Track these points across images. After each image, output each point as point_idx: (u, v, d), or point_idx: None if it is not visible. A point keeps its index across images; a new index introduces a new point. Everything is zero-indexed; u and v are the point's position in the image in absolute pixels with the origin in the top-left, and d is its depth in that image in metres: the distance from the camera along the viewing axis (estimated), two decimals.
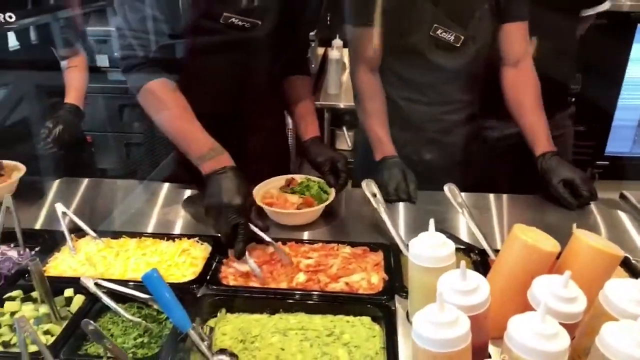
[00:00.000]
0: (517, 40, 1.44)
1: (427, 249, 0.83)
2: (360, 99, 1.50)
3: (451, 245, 0.84)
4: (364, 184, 1.22)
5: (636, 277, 1.01)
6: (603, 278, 0.77)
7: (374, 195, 1.20)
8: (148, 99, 1.27)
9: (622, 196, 1.40)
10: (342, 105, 2.64)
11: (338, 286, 1.01)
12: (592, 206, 1.35)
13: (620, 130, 2.63)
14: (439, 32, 1.39)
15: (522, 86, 1.44)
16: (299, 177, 1.35)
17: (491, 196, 1.43)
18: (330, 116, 2.69)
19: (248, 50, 1.32)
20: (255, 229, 1.09)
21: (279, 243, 1.13)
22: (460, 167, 1.56)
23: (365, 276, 1.03)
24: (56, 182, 1.48)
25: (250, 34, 1.28)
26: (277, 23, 1.32)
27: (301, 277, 1.03)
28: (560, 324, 0.68)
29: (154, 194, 1.42)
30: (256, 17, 1.27)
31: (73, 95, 1.60)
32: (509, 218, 1.33)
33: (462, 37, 1.39)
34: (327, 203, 1.26)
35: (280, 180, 1.35)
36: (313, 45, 2.74)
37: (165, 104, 1.25)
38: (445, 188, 1.19)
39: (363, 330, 0.92)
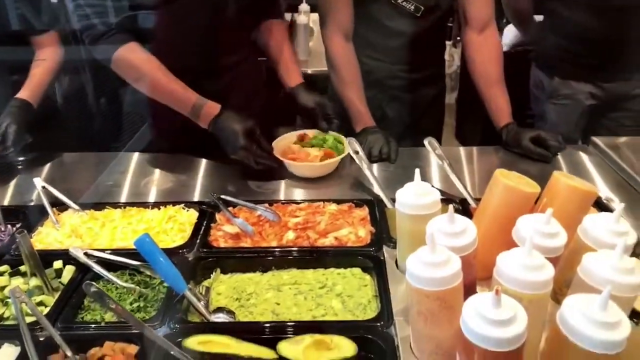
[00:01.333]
0: (480, 3, 1.45)
1: (413, 198, 0.85)
2: (336, 69, 1.49)
3: (436, 193, 0.86)
4: (346, 142, 1.23)
5: None
6: (580, 214, 0.81)
7: (357, 153, 1.21)
8: (121, 68, 1.26)
9: (592, 142, 1.46)
10: (310, 71, 2.60)
11: (327, 241, 1.03)
12: (560, 155, 1.40)
13: None
14: (399, 1, 1.42)
15: (486, 54, 1.46)
16: (310, 132, 1.37)
17: (461, 149, 1.48)
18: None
19: (215, 9, 1.30)
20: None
21: (265, 204, 1.14)
22: (424, 123, 1.61)
23: (353, 230, 1.05)
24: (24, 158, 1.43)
25: None
26: None
27: (291, 235, 1.05)
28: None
29: (128, 165, 1.40)
30: None
31: (27, 91, 1.45)
32: (481, 169, 1.37)
33: (422, 8, 1.43)
34: (345, 154, 1.29)
35: (292, 136, 1.37)
36: None
37: (139, 69, 1.25)
38: (426, 142, 1.21)
39: (355, 281, 0.95)
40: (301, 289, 0.94)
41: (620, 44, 1.60)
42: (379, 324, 0.82)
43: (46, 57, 1.54)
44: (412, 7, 1.42)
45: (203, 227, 1.08)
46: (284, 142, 1.35)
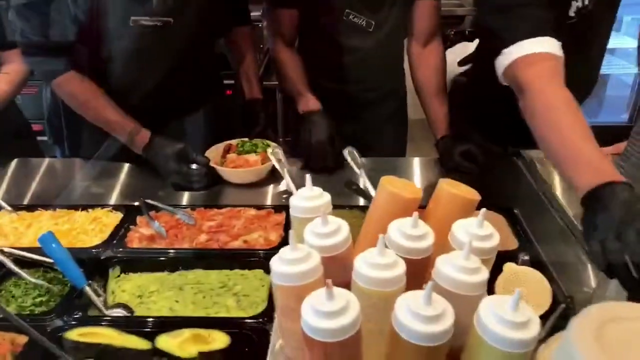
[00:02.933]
0: (424, 16, 1.47)
1: (303, 201, 0.89)
2: (280, 69, 1.52)
3: (326, 197, 0.90)
4: (269, 150, 1.27)
5: (516, 226, 1.11)
6: (459, 216, 0.85)
7: (279, 161, 1.26)
8: (62, 95, 1.33)
9: (518, 154, 1.49)
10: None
11: (236, 244, 1.07)
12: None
13: None
14: (350, 17, 1.43)
15: (429, 65, 1.48)
16: (234, 141, 1.41)
17: (398, 159, 1.54)
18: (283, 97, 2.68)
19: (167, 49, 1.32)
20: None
21: (188, 209, 1.19)
22: (384, 140, 1.63)
23: (264, 234, 1.09)
24: None
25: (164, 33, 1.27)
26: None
27: (202, 238, 1.09)
28: (406, 259, 0.75)
29: (87, 170, 1.44)
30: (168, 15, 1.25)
31: None
32: (424, 179, 1.41)
33: (373, 23, 1.43)
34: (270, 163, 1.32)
35: (217, 149, 1.39)
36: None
37: (77, 98, 1.31)
38: (345, 152, 1.25)
39: (255, 282, 0.98)
40: (202, 289, 0.97)
41: None
42: (260, 320, 0.85)
43: (10, 72, 1.57)
44: (364, 23, 1.43)
45: (123, 229, 1.13)
46: (215, 154, 1.38)
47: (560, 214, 1.20)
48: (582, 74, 1.31)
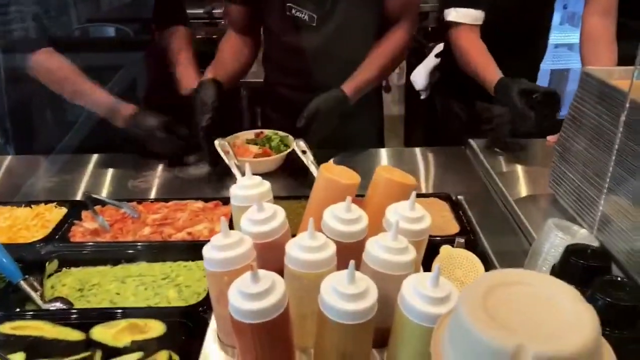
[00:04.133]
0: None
1: (242, 190, 0.90)
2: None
3: (265, 185, 0.91)
4: (216, 142, 1.27)
5: (459, 212, 1.14)
6: (397, 201, 0.86)
7: (227, 153, 1.26)
8: (39, 73, 1.33)
9: (467, 144, 1.53)
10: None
11: (180, 235, 1.07)
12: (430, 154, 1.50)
13: None
14: (293, 11, 1.36)
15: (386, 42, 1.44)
16: (267, 132, 1.44)
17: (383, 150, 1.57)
18: (249, 94, 2.56)
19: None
20: None
21: (134, 202, 1.18)
22: (357, 143, 1.60)
23: (209, 226, 1.09)
24: None
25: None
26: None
27: (146, 231, 1.08)
28: (340, 242, 0.77)
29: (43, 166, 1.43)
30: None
31: None
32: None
33: (315, 16, 1.35)
34: (283, 154, 1.35)
35: (249, 133, 1.44)
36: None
37: (55, 73, 1.32)
38: (294, 144, 1.27)
39: (198, 273, 0.98)
40: (144, 281, 0.97)
41: None
42: (200, 309, 0.86)
43: None
44: (306, 17, 1.35)
45: (67, 224, 1.11)
46: (242, 138, 1.42)
47: (503, 200, 1.24)
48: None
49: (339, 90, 1.36)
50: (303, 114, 1.30)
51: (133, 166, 1.42)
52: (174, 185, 1.34)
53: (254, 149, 1.39)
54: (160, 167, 1.43)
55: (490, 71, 1.40)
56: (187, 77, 1.46)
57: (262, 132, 1.45)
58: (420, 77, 1.96)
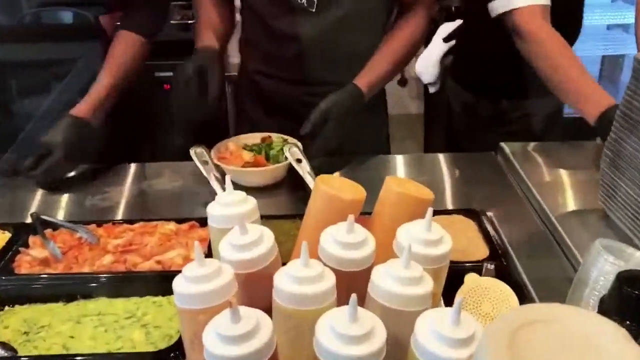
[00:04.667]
0: None
1: (221, 208, 0.90)
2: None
3: (250, 202, 0.91)
4: (192, 151, 1.28)
5: (488, 231, 1.14)
6: (410, 219, 0.86)
7: (205, 163, 1.27)
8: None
9: (499, 148, 1.54)
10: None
11: (148, 265, 1.07)
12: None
13: None
14: None
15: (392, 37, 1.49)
16: (275, 136, 1.45)
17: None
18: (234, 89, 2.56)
19: None
20: None
21: (93, 225, 1.18)
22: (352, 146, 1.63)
23: (183, 252, 1.09)
24: None
25: None
26: None
27: (107, 259, 1.08)
28: (341, 271, 0.77)
29: None
30: None
31: None
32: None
33: (316, 0, 1.38)
34: (280, 165, 1.35)
35: (253, 137, 1.46)
36: None
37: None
38: (286, 149, 1.27)
39: (169, 310, 0.98)
40: (104, 321, 0.96)
41: None
42: (171, 355, 0.85)
43: None
44: (304, 1, 1.37)
45: (10, 252, 1.11)
46: (245, 140, 1.46)
47: (542, 216, 1.24)
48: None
49: (353, 86, 1.39)
50: (310, 119, 1.32)
51: (92, 180, 1.43)
52: (142, 202, 1.35)
53: (247, 156, 1.40)
54: (128, 181, 1.44)
55: (587, 87, 1.30)
56: None
57: (269, 137, 1.45)
58: (427, 66, 1.97)
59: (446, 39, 2.12)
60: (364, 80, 1.40)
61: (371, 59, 1.45)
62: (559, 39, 1.38)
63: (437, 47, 1.95)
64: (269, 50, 1.51)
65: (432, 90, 2.00)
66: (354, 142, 1.54)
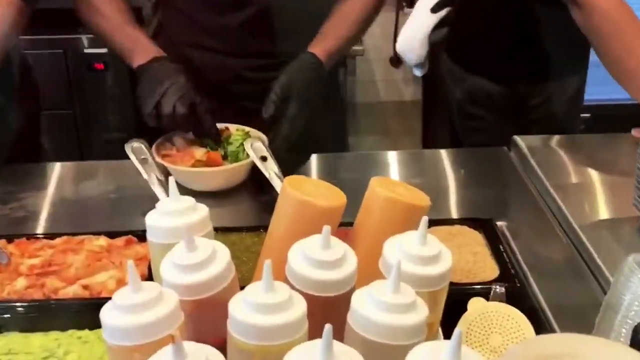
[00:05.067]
0: None
1: (163, 218, 0.89)
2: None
3: (201, 210, 0.91)
4: (128, 146, 1.27)
5: (499, 246, 1.15)
6: (401, 231, 0.87)
7: (144, 161, 1.26)
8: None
9: (513, 143, 1.55)
10: None
11: (72, 290, 1.06)
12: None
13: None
14: None
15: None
16: (234, 128, 1.45)
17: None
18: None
19: None
20: None
21: (2, 240, 1.17)
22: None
23: (117, 275, 1.09)
24: None
25: None
26: None
27: (20, 284, 1.07)
28: (313, 296, 0.76)
29: None
30: None
31: None
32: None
33: None
34: (240, 164, 1.35)
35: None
36: None
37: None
38: (247, 144, 1.27)
39: (98, 347, 0.97)
40: None
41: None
42: None
43: None
44: None
45: None
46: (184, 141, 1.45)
47: (565, 227, 1.25)
48: None
49: (311, 55, 1.43)
50: (271, 97, 1.34)
51: (3, 182, 1.41)
52: (65, 212, 1.34)
53: (199, 153, 1.40)
54: (49, 185, 1.43)
55: None
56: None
57: (226, 128, 1.46)
58: (412, 44, 1.96)
59: (435, 8, 2.12)
60: (320, 47, 1.45)
61: (325, 23, 1.51)
62: (625, 7, 1.41)
63: (423, 20, 1.94)
64: (205, 19, 1.56)
65: (418, 73, 2.00)
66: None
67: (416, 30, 1.95)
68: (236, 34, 1.54)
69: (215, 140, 1.40)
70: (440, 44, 1.97)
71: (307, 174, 1.45)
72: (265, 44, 1.56)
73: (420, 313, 0.71)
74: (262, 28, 1.54)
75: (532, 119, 1.80)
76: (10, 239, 1.18)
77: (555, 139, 1.58)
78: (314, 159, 1.55)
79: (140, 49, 1.45)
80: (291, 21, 1.54)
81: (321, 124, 1.62)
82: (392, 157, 1.58)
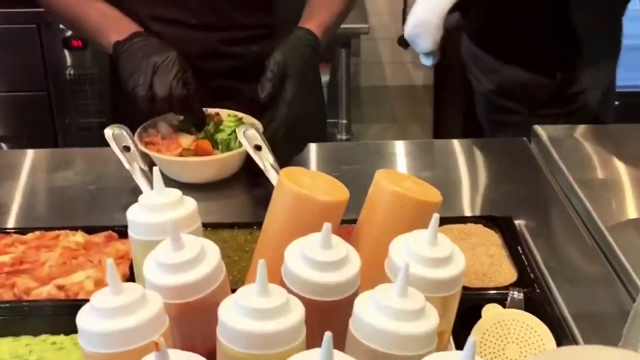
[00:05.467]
0: None
1: (146, 213, 0.90)
2: None
3: (188, 203, 0.91)
4: (108, 131, 1.27)
5: (517, 247, 1.15)
6: (409, 229, 0.87)
7: (125, 149, 1.26)
8: None
9: (533, 134, 1.56)
10: None
11: (46, 291, 1.06)
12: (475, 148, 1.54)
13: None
14: None
15: None
16: (225, 114, 1.46)
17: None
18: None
19: None
20: None
21: None
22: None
23: (95, 275, 1.09)
24: None
25: None
26: None
27: None
28: (312, 300, 0.76)
29: None
30: None
31: None
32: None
33: None
34: (231, 154, 1.35)
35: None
36: None
37: None
38: (240, 132, 1.27)
39: (74, 353, 0.98)
40: None
41: None
42: None
43: None
44: None
45: None
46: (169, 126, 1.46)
47: (590, 227, 1.25)
48: None
49: (306, 31, 1.44)
50: (267, 74, 1.34)
51: None
52: (39, 204, 1.35)
53: (186, 141, 1.40)
54: (21, 174, 1.43)
55: None
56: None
57: (217, 114, 1.46)
58: (426, 27, 1.93)
59: None
60: (313, 22, 1.46)
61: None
62: None
63: (437, 1, 1.93)
64: None
65: (427, 63, 1.97)
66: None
67: (430, 13, 1.92)
68: (206, 3, 1.53)
69: (199, 124, 1.41)
70: (455, 28, 1.96)
71: (305, 165, 1.46)
72: (240, 14, 1.55)
73: (430, 320, 0.72)
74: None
75: (568, 110, 1.80)
76: None
77: (579, 129, 1.58)
78: (312, 148, 1.56)
79: (114, 24, 1.44)
80: None
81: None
82: (400, 148, 1.58)
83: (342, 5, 1.56)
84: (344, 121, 3.36)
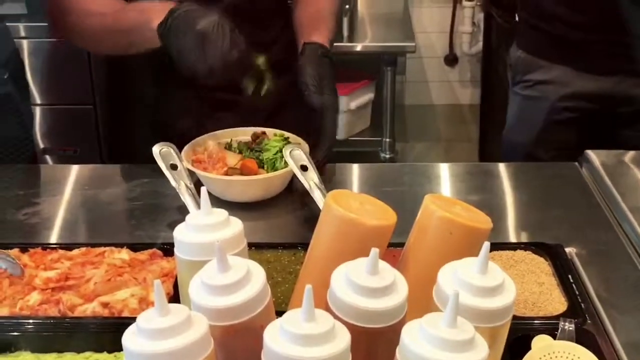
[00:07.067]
0: None
1: (192, 233, 0.90)
2: None
3: (235, 224, 0.91)
4: (156, 149, 1.29)
5: (568, 276, 1.13)
6: (458, 256, 0.86)
7: (173, 168, 1.27)
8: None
9: (584, 158, 1.54)
10: None
11: (91, 308, 1.07)
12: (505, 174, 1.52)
13: None
14: None
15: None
16: (271, 133, 1.48)
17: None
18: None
19: None
20: None
21: (15, 250, 1.19)
22: None
23: (140, 293, 1.09)
24: None
25: None
26: None
27: (34, 298, 1.09)
28: (358, 327, 0.76)
29: None
30: None
31: None
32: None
33: None
34: (278, 173, 1.36)
35: (243, 133, 1.49)
36: None
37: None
38: (286, 152, 1.28)
39: None
40: None
41: None
42: None
43: None
44: None
45: None
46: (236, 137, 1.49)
47: None
48: None
49: (318, 45, 1.47)
50: (310, 88, 1.39)
51: (19, 184, 1.44)
52: (85, 220, 1.36)
53: (233, 160, 1.40)
54: (66, 189, 1.45)
55: None
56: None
57: (262, 133, 1.47)
58: None
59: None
60: (320, 37, 1.50)
61: (300, 15, 1.59)
62: None
63: None
64: None
65: None
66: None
67: None
68: None
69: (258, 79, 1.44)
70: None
71: (349, 185, 1.46)
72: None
73: (480, 352, 0.71)
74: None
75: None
76: (24, 248, 1.20)
77: (631, 154, 1.55)
78: (354, 168, 1.56)
79: (151, 10, 1.40)
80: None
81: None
82: (445, 170, 1.57)
83: (333, 23, 1.59)
84: (388, 139, 3.35)
